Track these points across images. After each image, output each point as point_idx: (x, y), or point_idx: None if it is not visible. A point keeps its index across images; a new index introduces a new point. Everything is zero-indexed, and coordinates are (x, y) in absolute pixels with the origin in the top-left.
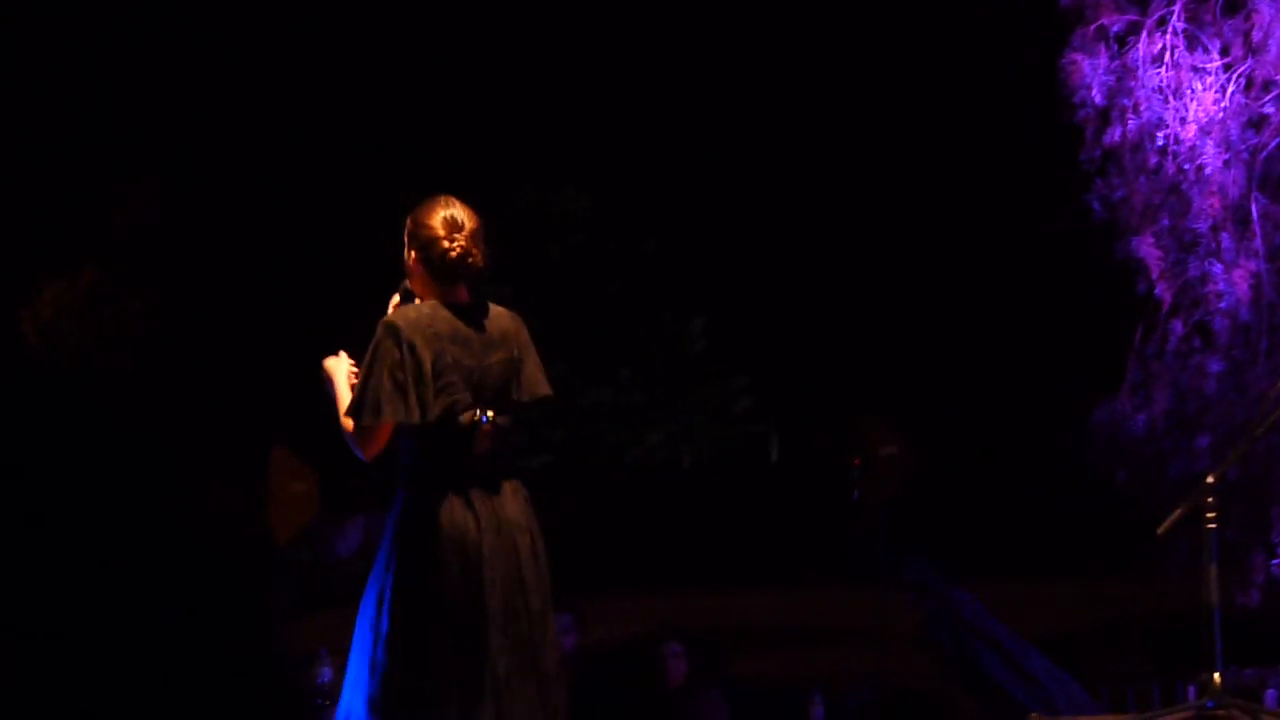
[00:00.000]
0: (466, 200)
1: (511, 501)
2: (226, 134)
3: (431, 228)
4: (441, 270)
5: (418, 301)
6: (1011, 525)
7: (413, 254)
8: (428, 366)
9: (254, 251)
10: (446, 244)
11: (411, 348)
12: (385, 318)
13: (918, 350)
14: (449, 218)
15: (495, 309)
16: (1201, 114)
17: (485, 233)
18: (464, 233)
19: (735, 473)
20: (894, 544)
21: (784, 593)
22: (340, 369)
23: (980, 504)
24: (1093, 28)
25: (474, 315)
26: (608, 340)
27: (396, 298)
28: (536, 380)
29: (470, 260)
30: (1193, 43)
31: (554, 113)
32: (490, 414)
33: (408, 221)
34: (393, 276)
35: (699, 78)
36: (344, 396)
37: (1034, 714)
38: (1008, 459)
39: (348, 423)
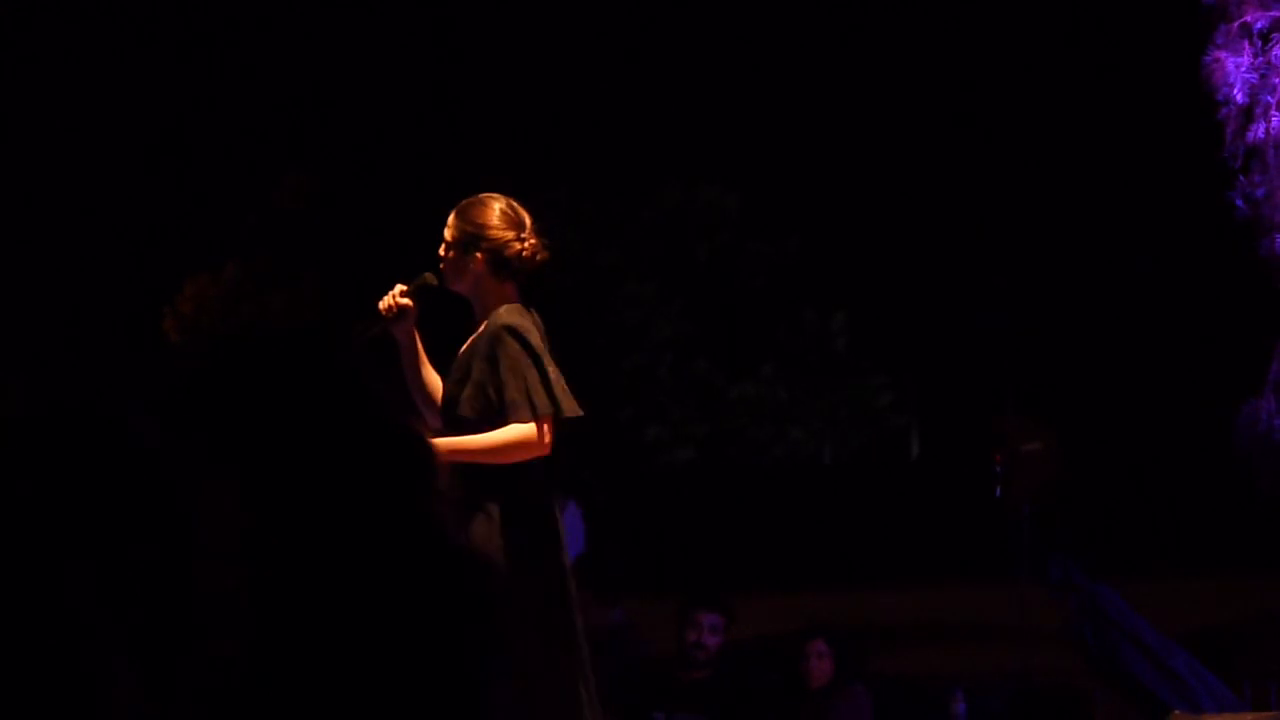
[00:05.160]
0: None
1: None
2: (371, 130)
3: (500, 228)
4: (514, 270)
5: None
6: (1156, 522)
7: (478, 256)
8: (550, 368)
9: (393, 246)
10: (518, 244)
11: (543, 351)
12: (505, 322)
13: (1061, 347)
14: (513, 217)
15: None
16: None
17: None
18: (529, 230)
19: (877, 468)
20: (1037, 541)
21: (926, 589)
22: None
23: (1124, 501)
24: (1236, 25)
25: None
26: (751, 337)
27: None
28: None
29: (540, 258)
30: None
31: (700, 113)
32: None
33: (460, 223)
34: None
35: (841, 79)
36: (474, 440)
37: (1177, 711)
38: (1151, 457)
39: (482, 441)
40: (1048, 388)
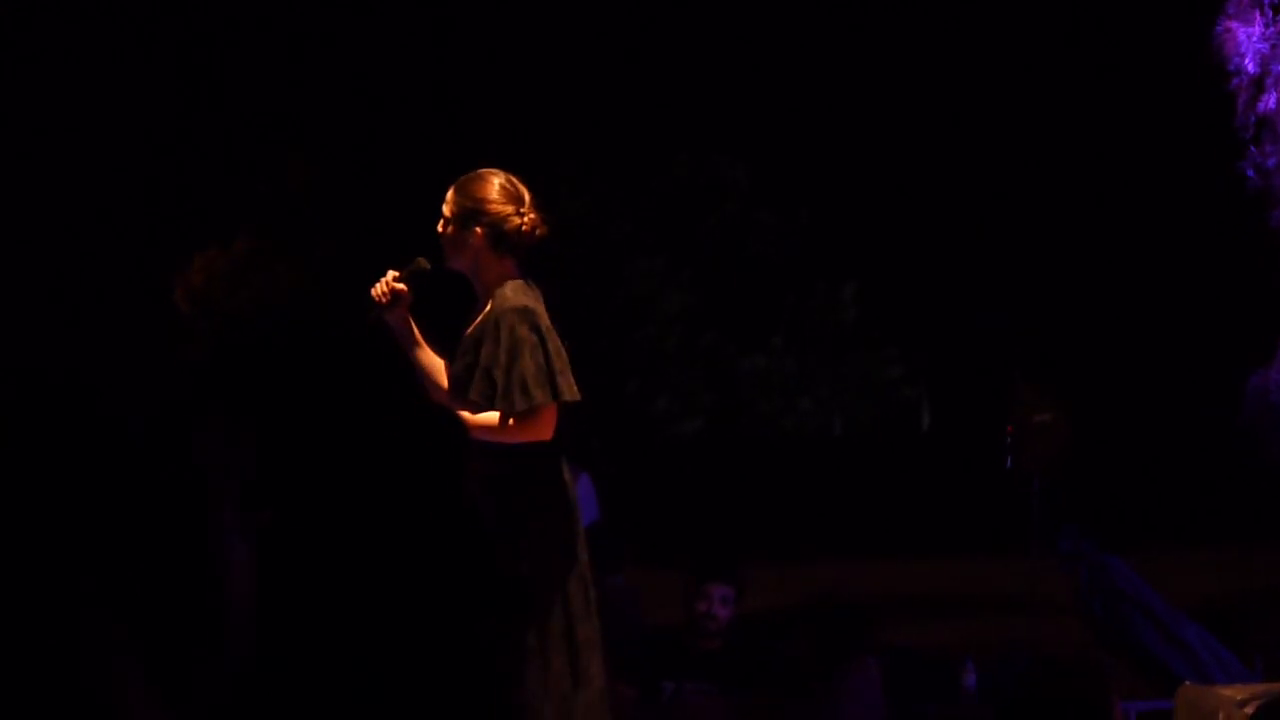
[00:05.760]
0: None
1: None
2: (384, 101)
3: (499, 203)
4: (514, 245)
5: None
6: (1167, 492)
7: (477, 231)
8: (559, 347)
9: (407, 217)
10: (517, 219)
11: (549, 331)
12: (513, 304)
13: (1073, 317)
14: (512, 191)
15: None
16: None
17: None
18: (528, 204)
19: (887, 440)
20: (1048, 512)
21: (937, 561)
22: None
23: (1136, 471)
24: None
25: None
26: (760, 308)
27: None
28: None
29: (540, 233)
30: None
31: (710, 83)
32: None
33: (459, 198)
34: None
35: (851, 46)
36: (474, 416)
37: (1188, 683)
38: (1164, 426)
39: (488, 418)
40: (1059, 358)
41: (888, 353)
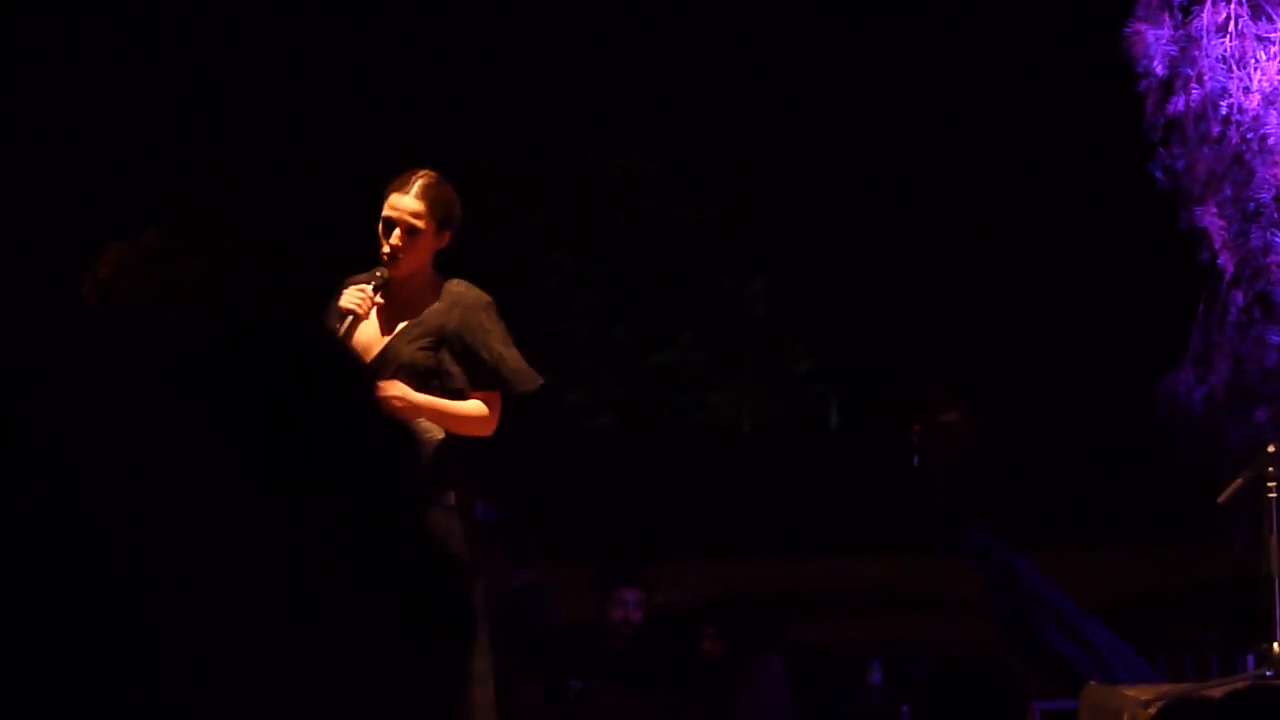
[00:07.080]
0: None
1: None
2: (294, 95)
3: (460, 207)
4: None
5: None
6: (1074, 493)
7: (447, 235)
8: None
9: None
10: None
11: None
12: (485, 297)
13: (982, 316)
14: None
15: None
16: (1265, 84)
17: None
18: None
19: (795, 436)
20: (955, 510)
21: (843, 558)
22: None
23: (1042, 471)
24: None
25: None
26: (669, 303)
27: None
28: None
29: None
30: (1257, 12)
31: (621, 78)
32: None
33: (441, 204)
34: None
35: (763, 41)
36: (433, 400)
37: (1092, 683)
38: (1073, 425)
39: (475, 408)
40: (968, 357)
41: (796, 347)
